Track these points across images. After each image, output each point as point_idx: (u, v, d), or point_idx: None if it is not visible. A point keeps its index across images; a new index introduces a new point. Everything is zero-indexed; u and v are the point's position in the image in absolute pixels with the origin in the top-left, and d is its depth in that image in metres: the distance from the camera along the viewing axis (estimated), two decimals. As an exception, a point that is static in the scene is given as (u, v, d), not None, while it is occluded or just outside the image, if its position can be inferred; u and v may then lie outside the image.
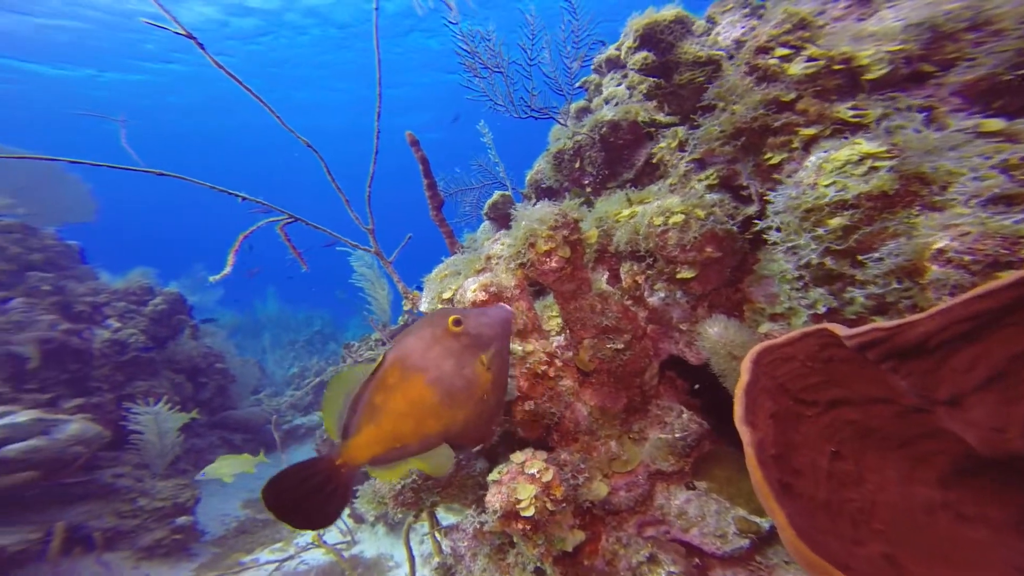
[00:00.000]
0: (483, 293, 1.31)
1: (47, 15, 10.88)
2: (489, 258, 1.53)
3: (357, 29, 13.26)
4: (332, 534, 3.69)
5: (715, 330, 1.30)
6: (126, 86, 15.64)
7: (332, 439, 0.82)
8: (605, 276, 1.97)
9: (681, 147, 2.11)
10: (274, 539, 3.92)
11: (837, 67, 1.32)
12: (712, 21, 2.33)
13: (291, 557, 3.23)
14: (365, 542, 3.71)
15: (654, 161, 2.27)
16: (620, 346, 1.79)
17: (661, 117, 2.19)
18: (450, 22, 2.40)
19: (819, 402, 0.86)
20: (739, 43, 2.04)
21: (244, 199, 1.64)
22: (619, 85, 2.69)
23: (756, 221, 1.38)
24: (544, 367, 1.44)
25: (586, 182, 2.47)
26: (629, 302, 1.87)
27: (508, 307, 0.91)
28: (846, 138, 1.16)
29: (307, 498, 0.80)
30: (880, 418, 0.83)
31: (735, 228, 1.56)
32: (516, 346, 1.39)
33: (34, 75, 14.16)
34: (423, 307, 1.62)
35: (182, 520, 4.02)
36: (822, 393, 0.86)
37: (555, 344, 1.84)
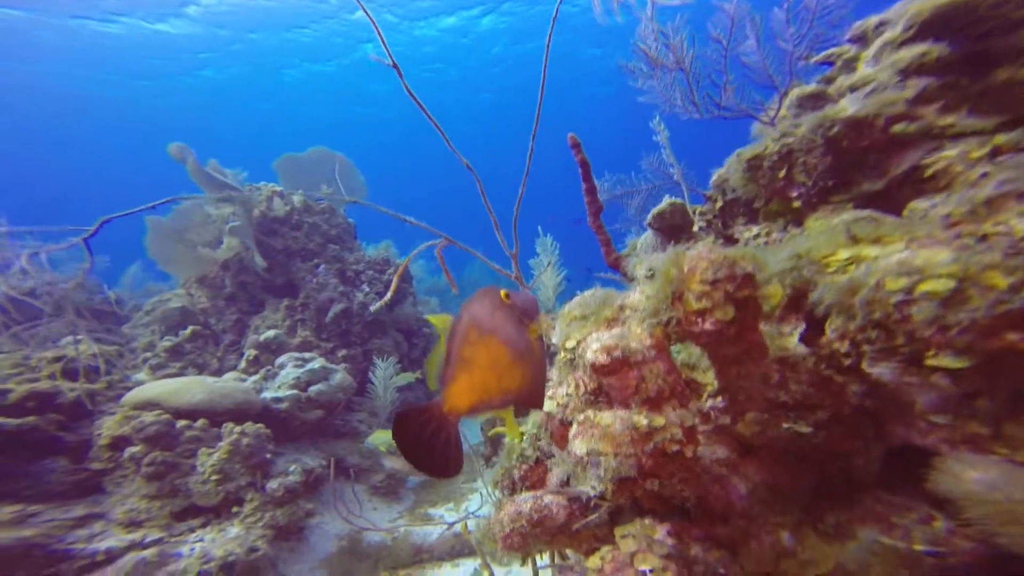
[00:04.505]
0: (605, 356, 1.13)
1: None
2: (623, 308, 1.32)
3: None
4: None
5: (978, 475, 0.82)
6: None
7: (430, 388, 0.92)
8: (800, 329, 1.48)
9: (994, 157, 1.37)
10: (449, 497, 4.50)
11: None
12: None
13: (459, 520, 3.69)
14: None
15: (928, 173, 1.55)
16: (805, 430, 1.34)
17: (953, 121, 1.47)
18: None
19: None
20: None
21: (413, 223, 1.83)
22: (881, 65, 1.92)
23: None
24: (676, 447, 1.17)
25: (794, 194, 1.89)
26: (830, 371, 1.37)
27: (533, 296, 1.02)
28: None
29: (431, 443, 0.88)
30: None
31: None
32: (641, 419, 1.17)
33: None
34: (554, 340, 1.53)
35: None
36: None
37: (709, 406, 1.49)
